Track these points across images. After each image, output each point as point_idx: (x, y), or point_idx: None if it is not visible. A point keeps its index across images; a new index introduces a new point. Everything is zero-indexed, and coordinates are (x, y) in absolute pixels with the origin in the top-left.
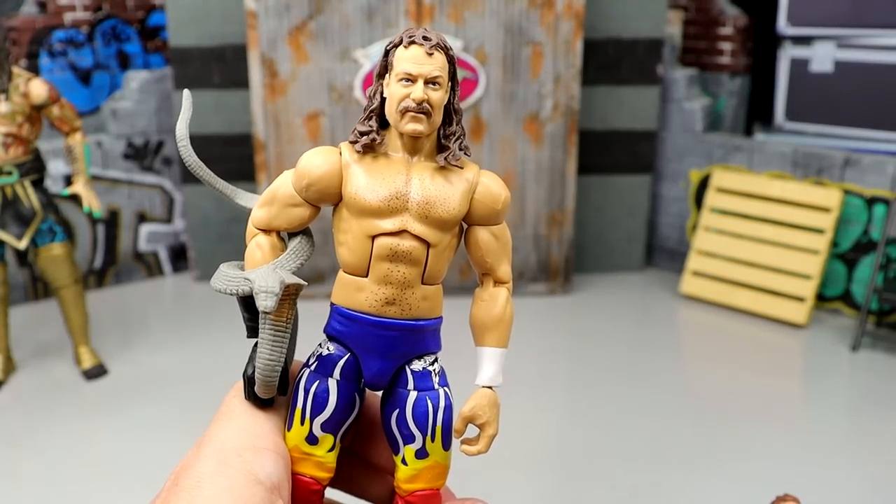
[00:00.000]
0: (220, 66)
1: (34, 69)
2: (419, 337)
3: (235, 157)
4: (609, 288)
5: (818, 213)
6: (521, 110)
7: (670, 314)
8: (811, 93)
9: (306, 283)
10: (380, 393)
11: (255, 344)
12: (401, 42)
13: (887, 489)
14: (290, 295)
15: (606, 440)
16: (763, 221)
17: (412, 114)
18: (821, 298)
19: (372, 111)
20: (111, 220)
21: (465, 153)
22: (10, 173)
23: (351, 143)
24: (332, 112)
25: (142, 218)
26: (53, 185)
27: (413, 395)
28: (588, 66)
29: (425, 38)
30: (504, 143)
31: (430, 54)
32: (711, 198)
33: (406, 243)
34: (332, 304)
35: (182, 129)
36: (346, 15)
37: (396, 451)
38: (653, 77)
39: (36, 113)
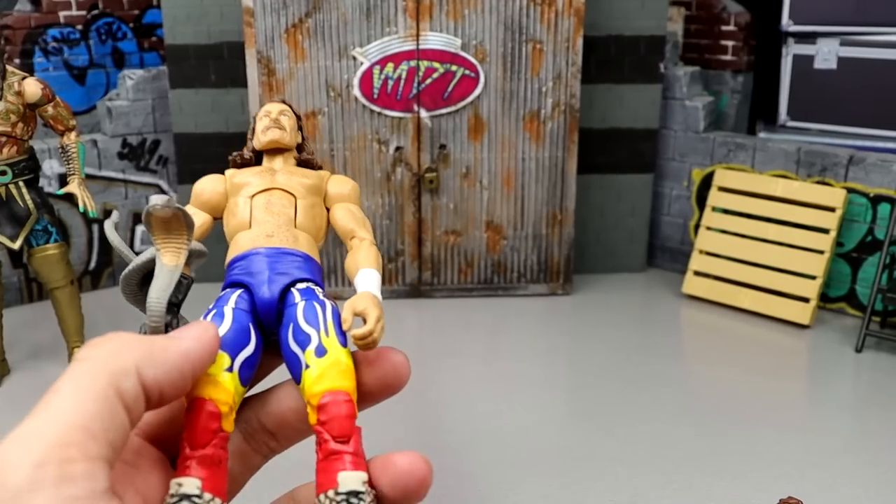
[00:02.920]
0: (217, 64)
1: (28, 68)
2: (301, 265)
3: None
4: (610, 288)
5: (822, 212)
6: (521, 108)
7: (672, 314)
8: (815, 90)
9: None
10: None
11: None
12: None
13: (892, 491)
14: (180, 224)
15: (608, 442)
16: (766, 221)
17: (271, 128)
18: (824, 299)
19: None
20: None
21: (318, 163)
22: (3, 173)
23: (230, 163)
24: (329, 110)
25: (138, 218)
26: (48, 185)
27: (301, 304)
28: (589, 64)
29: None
30: (504, 142)
31: (280, 104)
32: (714, 197)
33: (277, 193)
34: (226, 269)
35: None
36: (344, 13)
37: (300, 369)
38: (654, 75)
39: (30, 112)
